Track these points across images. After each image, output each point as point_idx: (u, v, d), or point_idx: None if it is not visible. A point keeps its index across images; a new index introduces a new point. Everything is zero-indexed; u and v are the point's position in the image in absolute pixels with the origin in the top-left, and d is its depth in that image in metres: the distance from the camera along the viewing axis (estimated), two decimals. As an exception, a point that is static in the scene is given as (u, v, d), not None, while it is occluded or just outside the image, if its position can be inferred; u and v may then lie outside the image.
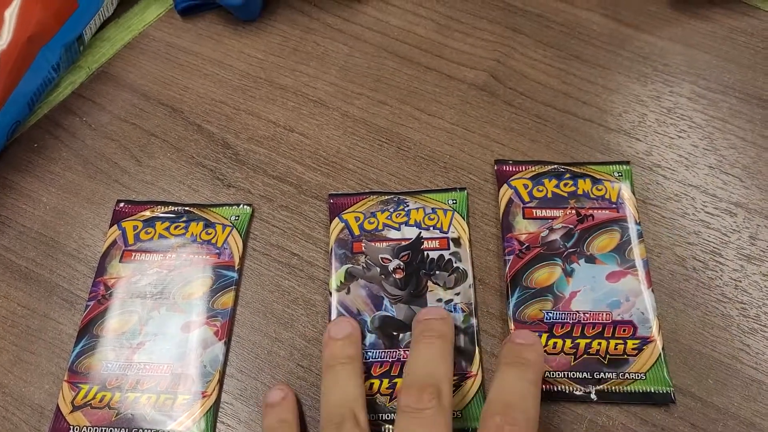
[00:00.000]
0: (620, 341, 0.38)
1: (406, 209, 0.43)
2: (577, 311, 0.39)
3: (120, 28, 0.54)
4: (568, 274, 0.40)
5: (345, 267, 0.41)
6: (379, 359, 0.38)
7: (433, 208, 0.43)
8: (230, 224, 0.43)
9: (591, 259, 0.41)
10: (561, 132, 0.47)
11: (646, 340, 0.38)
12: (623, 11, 0.54)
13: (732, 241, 0.42)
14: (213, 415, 0.37)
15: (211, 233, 0.43)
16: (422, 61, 0.51)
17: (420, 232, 0.42)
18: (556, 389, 0.37)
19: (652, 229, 0.43)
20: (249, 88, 0.50)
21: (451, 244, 0.42)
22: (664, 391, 0.37)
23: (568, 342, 0.38)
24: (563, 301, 0.40)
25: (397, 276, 0.41)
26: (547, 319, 0.39)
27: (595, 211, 0.43)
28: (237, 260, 0.42)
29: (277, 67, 0.51)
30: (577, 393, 0.37)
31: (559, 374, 0.37)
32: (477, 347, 0.38)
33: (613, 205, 0.43)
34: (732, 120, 0.47)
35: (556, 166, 0.45)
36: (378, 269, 0.41)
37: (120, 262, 0.42)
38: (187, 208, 0.44)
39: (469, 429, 0.36)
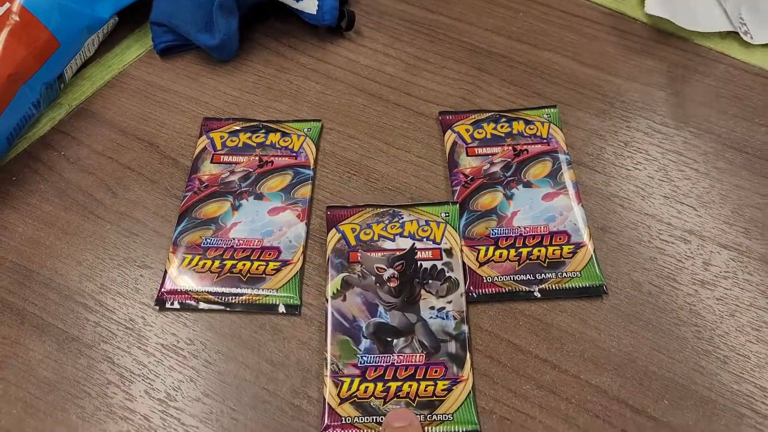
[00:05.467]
0: (557, 248, 0.43)
1: (400, 221, 0.45)
2: (518, 226, 0.45)
3: (101, 67, 0.56)
4: (509, 197, 0.46)
5: (341, 275, 0.43)
6: (373, 364, 0.39)
7: (426, 221, 0.45)
8: (304, 134, 0.50)
9: (528, 185, 0.47)
10: (523, 164, 0.49)
11: (579, 245, 0.44)
12: (584, 53, 0.56)
13: (686, 266, 0.44)
14: (300, 278, 0.43)
15: (287, 141, 0.50)
16: (391, 98, 0.53)
17: (414, 243, 0.44)
18: (504, 291, 0.42)
19: (609, 255, 0.44)
20: (224, 124, 0.52)
21: (443, 254, 0.43)
22: (597, 284, 0.42)
23: (512, 251, 0.44)
24: (506, 220, 0.45)
25: (392, 285, 0.42)
26: (492, 234, 0.44)
27: (529, 146, 0.49)
28: (312, 161, 0.49)
29: (251, 104, 0.54)
30: (523, 292, 0.42)
31: (506, 278, 0.42)
32: (468, 353, 0.39)
33: (544, 140, 0.49)
34: (686, 152, 0.49)
35: (493, 113, 0.51)
36: (373, 278, 0.43)
37: (211, 162, 0.49)
38: (264, 123, 0.51)
39: None
